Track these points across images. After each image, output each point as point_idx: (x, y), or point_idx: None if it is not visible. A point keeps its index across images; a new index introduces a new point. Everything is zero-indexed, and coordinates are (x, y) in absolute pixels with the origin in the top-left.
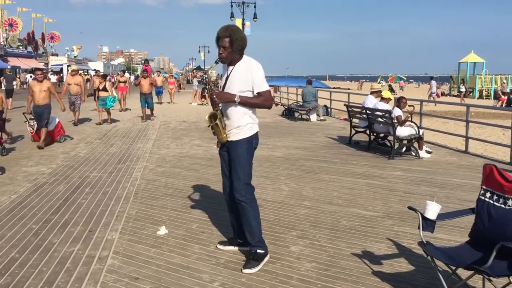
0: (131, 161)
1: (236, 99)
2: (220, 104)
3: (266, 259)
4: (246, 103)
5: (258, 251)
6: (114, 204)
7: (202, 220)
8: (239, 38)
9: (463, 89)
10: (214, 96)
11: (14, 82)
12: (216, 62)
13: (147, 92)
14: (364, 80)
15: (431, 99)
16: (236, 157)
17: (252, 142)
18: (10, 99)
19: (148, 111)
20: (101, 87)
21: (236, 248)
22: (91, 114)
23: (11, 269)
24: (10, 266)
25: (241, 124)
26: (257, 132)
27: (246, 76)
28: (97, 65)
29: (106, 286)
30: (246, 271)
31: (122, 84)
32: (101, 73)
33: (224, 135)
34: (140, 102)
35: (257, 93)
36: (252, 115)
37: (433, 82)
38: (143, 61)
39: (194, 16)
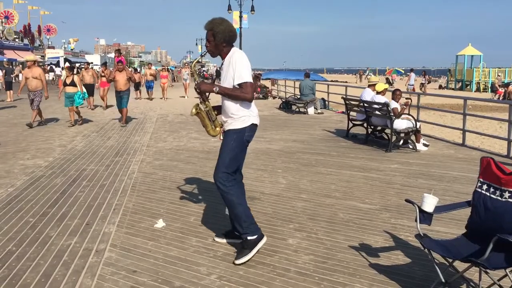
0: (128, 154)
1: (214, 89)
2: (209, 96)
3: (261, 243)
4: (224, 94)
5: (248, 238)
6: (111, 197)
7: (199, 213)
8: (220, 30)
9: (424, 80)
10: (195, 87)
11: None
12: (202, 55)
13: (123, 88)
14: (363, 72)
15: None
16: (223, 145)
17: (244, 134)
18: (11, 91)
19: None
20: (68, 82)
21: (234, 240)
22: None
23: (8, 262)
24: (7, 259)
25: (234, 115)
26: (252, 125)
27: (230, 68)
28: (94, 58)
29: (104, 279)
30: (236, 261)
31: (104, 79)
32: (68, 65)
33: (213, 128)
34: (116, 101)
35: (237, 85)
36: (248, 107)
37: (412, 74)
38: (114, 52)
39: (191, 9)
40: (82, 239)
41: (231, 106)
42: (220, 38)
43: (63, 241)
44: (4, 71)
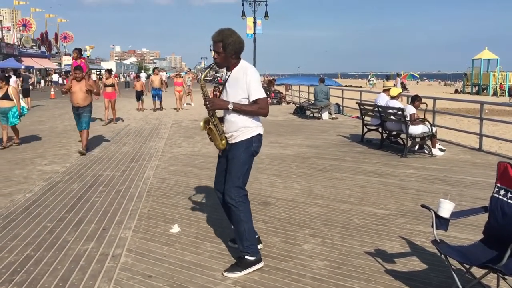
0: (144, 159)
1: (229, 106)
2: (216, 110)
3: (256, 266)
4: (240, 110)
5: (246, 257)
6: (127, 202)
7: (214, 218)
8: (231, 42)
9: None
10: (207, 103)
11: (30, 81)
12: (210, 67)
13: (81, 104)
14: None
15: None
16: (232, 159)
17: (251, 144)
18: (29, 98)
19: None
20: (1, 94)
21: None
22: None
23: (26, 267)
24: (26, 263)
25: (241, 127)
26: (258, 135)
27: (242, 82)
28: (110, 65)
29: (120, 284)
30: (225, 273)
31: (109, 89)
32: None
33: (221, 141)
34: (75, 120)
35: (252, 101)
36: (253, 118)
37: (398, 79)
38: (72, 52)
39: (206, 15)
40: (99, 244)
41: (240, 120)
42: (231, 50)
43: (80, 246)
44: (21, 78)
